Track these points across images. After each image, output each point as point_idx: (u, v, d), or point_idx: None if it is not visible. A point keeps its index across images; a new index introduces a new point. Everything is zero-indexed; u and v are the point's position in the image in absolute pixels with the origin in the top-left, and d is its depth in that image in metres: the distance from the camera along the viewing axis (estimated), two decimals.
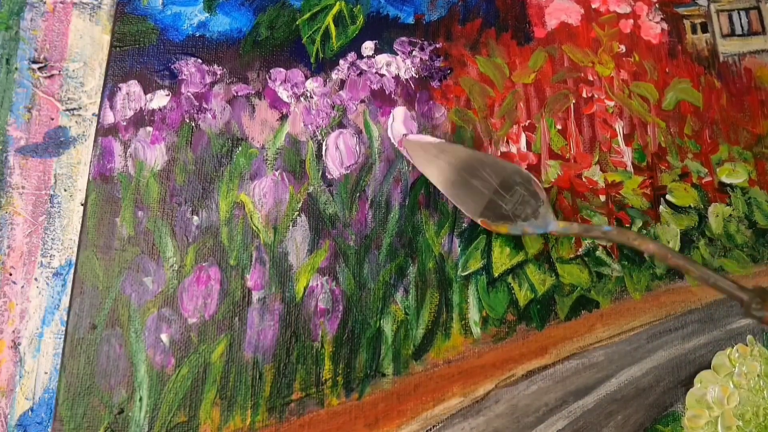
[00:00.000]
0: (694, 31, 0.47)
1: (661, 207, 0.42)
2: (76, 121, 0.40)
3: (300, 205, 0.40)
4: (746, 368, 0.38)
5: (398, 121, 0.41)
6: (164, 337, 0.36)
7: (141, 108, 0.41)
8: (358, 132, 0.42)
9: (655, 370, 0.38)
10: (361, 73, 0.43)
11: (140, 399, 0.35)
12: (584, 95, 0.44)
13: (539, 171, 0.42)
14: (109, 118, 0.41)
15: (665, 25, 0.47)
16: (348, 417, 0.36)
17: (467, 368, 0.37)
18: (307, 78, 0.43)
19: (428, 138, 0.40)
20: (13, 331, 0.36)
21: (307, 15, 0.44)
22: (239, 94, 0.42)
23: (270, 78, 0.42)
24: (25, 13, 0.42)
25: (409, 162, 0.40)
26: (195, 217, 0.38)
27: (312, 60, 0.43)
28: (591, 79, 0.45)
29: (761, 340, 0.39)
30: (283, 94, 0.42)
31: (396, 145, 0.41)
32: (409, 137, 0.41)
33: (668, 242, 0.41)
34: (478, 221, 0.38)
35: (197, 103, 0.41)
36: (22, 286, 0.37)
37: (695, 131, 0.44)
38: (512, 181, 0.38)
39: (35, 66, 0.41)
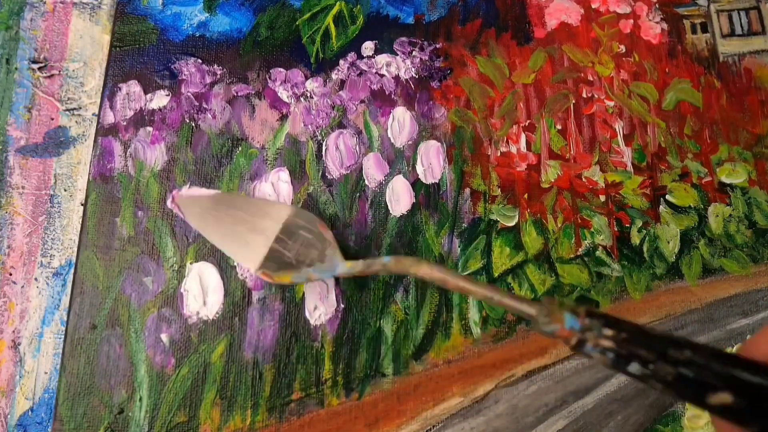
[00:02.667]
0: (694, 31, 0.47)
1: (661, 207, 0.42)
2: (76, 121, 0.40)
3: (300, 205, 0.40)
4: None
5: (185, 191, 0.39)
6: (164, 337, 0.36)
7: (141, 108, 0.41)
8: (358, 132, 0.42)
9: None
10: (361, 73, 0.43)
11: (140, 399, 0.35)
12: (584, 95, 0.44)
13: (539, 171, 0.42)
14: (109, 118, 0.41)
15: (665, 25, 0.47)
16: (348, 417, 0.36)
17: (467, 368, 0.37)
18: (307, 78, 0.43)
19: (202, 191, 0.38)
20: (13, 331, 0.36)
21: (307, 15, 0.44)
22: (239, 94, 0.42)
23: (270, 78, 0.42)
24: (25, 13, 0.42)
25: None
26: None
27: (312, 60, 0.43)
28: (591, 79, 0.45)
29: None
30: (283, 94, 0.42)
31: (169, 205, 0.38)
32: (181, 193, 0.38)
33: (668, 242, 0.41)
34: (259, 274, 0.35)
35: (197, 103, 0.41)
36: (22, 286, 0.37)
37: (695, 131, 0.44)
38: (294, 225, 0.36)
39: (35, 66, 0.41)
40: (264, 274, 0.35)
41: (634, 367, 0.24)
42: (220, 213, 0.36)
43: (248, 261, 0.35)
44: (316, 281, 0.35)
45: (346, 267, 0.34)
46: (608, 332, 0.24)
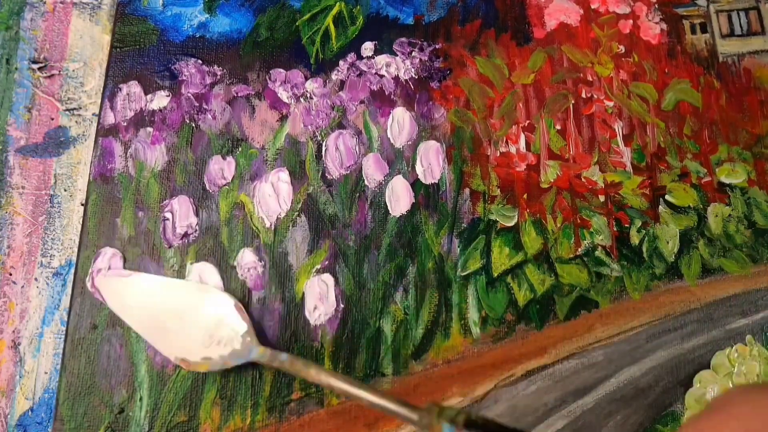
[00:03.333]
0: (693, 32, 0.47)
1: (660, 207, 0.42)
2: (76, 121, 0.40)
3: (300, 205, 0.40)
4: (745, 368, 0.38)
5: (102, 263, 0.37)
6: None
7: (141, 108, 0.41)
8: (357, 133, 0.42)
9: (655, 370, 0.38)
10: (361, 73, 0.43)
11: (141, 399, 0.35)
12: (583, 96, 0.44)
13: (538, 171, 0.42)
14: (110, 118, 0.41)
15: (664, 26, 0.47)
16: (348, 417, 0.36)
17: (467, 368, 0.38)
18: (306, 79, 0.43)
19: (122, 273, 0.37)
20: (13, 331, 0.36)
21: (307, 16, 0.44)
22: (239, 94, 0.42)
23: (270, 79, 0.42)
24: (25, 13, 0.42)
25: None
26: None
27: (312, 61, 0.43)
28: (590, 79, 0.45)
29: (760, 340, 0.39)
30: (283, 94, 0.42)
31: (89, 288, 0.37)
32: (100, 276, 0.37)
33: (667, 242, 0.41)
34: (178, 362, 0.35)
35: (197, 104, 0.41)
36: (22, 286, 0.37)
37: (694, 131, 0.44)
38: (210, 313, 0.35)
39: (35, 66, 0.41)
40: (182, 362, 0.35)
41: None
42: (140, 298, 0.36)
43: (167, 349, 0.35)
44: (232, 366, 0.35)
45: (259, 352, 0.34)
46: None
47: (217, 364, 0.34)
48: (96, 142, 0.40)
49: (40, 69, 0.41)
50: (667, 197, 0.42)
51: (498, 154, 0.42)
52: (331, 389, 0.32)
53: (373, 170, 0.41)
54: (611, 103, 0.44)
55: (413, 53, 0.44)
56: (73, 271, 0.37)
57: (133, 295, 0.36)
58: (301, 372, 0.32)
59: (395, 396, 0.31)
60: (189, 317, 0.35)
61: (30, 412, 0.35)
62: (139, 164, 0.40)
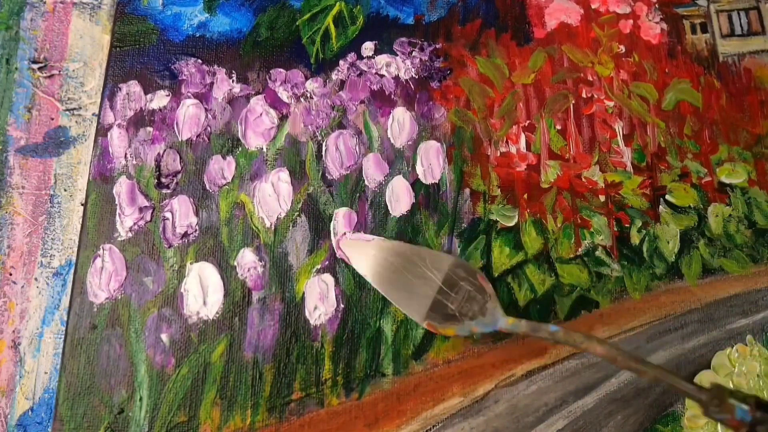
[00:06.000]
0: (693, 32, 0.47)
1: (660, 207, 0.42)
2: (76, 121, 0.40)
3: (300, 205, 0.40)
4: (746, 368, 0.38)
5: (340, 223, 0.39)
6: (164, 336, 0.36)
7: (141, 108, 0.41)
8: (357, 133, 0.42)
9: None
10: (361, 73, 0.43)
11: (140, 399, 0.35)
12: (584, 95, 0.44)
13: (539, 171, 0.42)
14: (109, 118, 0.41)
15: (665, 26, 0.47)
16: (348, 417, 0.36)
17: (467, 368, 0.38)
18: (307, 78, 0.43)
19: (366, 236, 0.38)
20: (13, 331, 0.36)
21: (307, 15, 0.44)
22: (239, 94, 0.42)
23: (270, 78, 0.42)
24: (25, 13, 0.42)
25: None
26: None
27: (312, 60, 0.43)
28: (590, 79, 0.45)
29: (761, 340, 0.39)
30: (283, 94, 0.42)
31: (334, 248, 0.38)
32: (347, 237, 0.38)
33: (668, 242, 0.41)
34: (424, 325, 0.36)
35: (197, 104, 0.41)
36: (22, 286, 0.37)
37: (695, 131, 0.44)
38: (456, 277, 0.35)
39: (35, 66, 0.41)
40: (429, 325, 0.35)
41: None
42: (386, 260, 0.36)
43: (414, 311, 0.36)
44: (478, 335, 0.36)
45: (507, 323, 0.34)
46: None
47: (464, 330, 0.35)
48: (96, 141, 0.40)
49: (40, 69, 0.41)
50: (667, 197, 0.42)
51: (498, 154, 0.42)
52: (614, 363, 0.31)
53: (373, 170, 0.41)
54: (611, 103, 0.44)
55: (413, 53, 0.44)
56: (73, 271, 0.37)
57: (378, 257, 0.36)
58: (582, 345, 0.32)
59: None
60: (436, 282, 0.35)
61: (30, 412, 0.35)
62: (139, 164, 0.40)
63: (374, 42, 0.44)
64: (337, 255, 0.38)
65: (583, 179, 0.42)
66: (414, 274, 0.36)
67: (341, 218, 0.39)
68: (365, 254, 0.37)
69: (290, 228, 0.39)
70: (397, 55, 0.44)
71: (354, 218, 0.39)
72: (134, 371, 0.36)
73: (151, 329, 0.37)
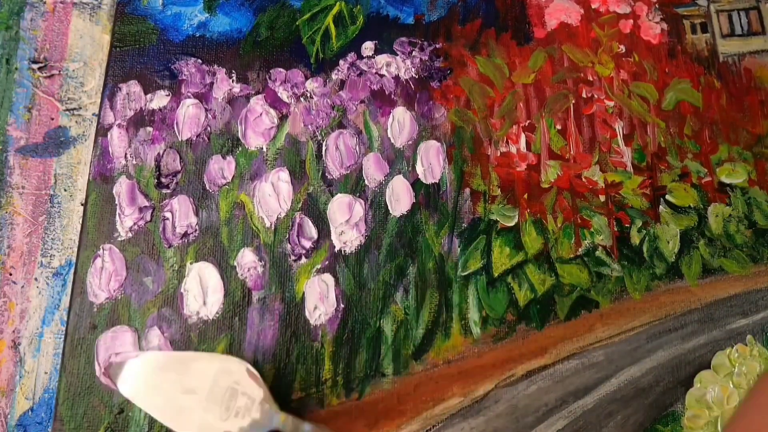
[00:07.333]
0: (693, 32, 0.47)
1: (660, 207, 0.42)
2: (76, 121, 0.40)
3: (300, 205, 0.40)
4: (746, 368, 0.38)
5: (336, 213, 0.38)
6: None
7: (141, 108, 0.41)
8: (358, 132, 0.42)
9: (655, 370, 0.38)
10: (361, 73, 0.43)
11: None
12: (584, 95, 0.44)
13: (539, 171, 0.42)
14: (109, 118, 0.41)
15: (665, 25, 0.47)
16: (348, 417, 0.36)
17: (467, 368, 0.38)
18: (307, 78, 0.43)
19: (129, 355, 0.35)
20: (13, 331, 0.36)
21: (307, 15, 0.44)
22: (239, 94, 0.42)
23: (270, 78, 0.42)
24: (25, 13, 0.42)
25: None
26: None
27: (312, 60, 0.43)
28: (591, 79, 0.45)
29: (761, 340, 0.39)
30: (283, 94, 0.42)
31: (102, 379, 0.35)
32: (111, 361, 0.35)
33: (668, 242, 0.41)
34: None
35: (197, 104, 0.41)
36: (22, 286, 0.37)
37: (695, 131, 0.44)
38: (223, 384, 0.33)
39: (35, 66, 0.41)
40: None
41: None
42: (151, 379, 0.33)
43: (186, 430, 0.33)
44: None
45: (281, 420, 0.33)
46: None
47: None
48: (96, 141, 0.40)
49: (40, 69, 0.41)
50: (667, 197, 0.42)
51: (498, 154, 0.42)
52: None
53: (373, 170, 0.41)
54: (612, 103, 0.44)
55: (413, 53, 0.44)
56: (73, 271, 0.37)
57: (144, 377, 0.33)
58: None
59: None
60: (203, 392, 0.33)
61: (30, 412, 0.35)
62: (139, 164, 0.40)
63: (374, 42, 0.44)
64: (103, 381, 0.35)
65: (584, 179, 0.42)
66: (181, 392, 0.33)
67: (336, 207, 0.39)
68: (130, 377, 0.33)
69: (290, 228, 0.39)
70: (397, 54, 0.44)
71: (353, 205, 0.39)
72: None
73: (151, 329, 0.37)
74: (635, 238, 0.41)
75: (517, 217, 0.41)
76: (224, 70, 0.42)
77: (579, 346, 0.38)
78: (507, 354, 0.38)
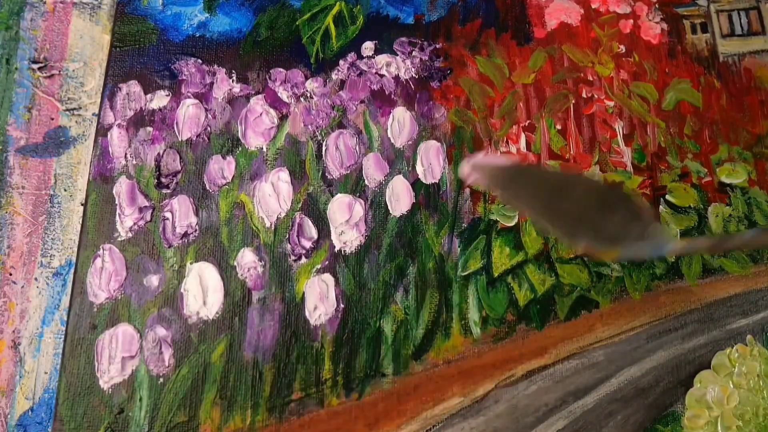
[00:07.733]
0: (693, 32, 0.47)
1: (660, 207, 0.42)
2: (76, 121, 0.40)
3: (300, 205, 0.40)
4: (746, 368, 0.38)
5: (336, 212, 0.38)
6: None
7: (141, 108, 0.41)
8: (358, 132, 0.42)
9: (655, 370, 0.38)
10: (361, 73, 0.43)
11: (140, 399, 0.35)
12: (584, 95, 0.44)
13: None
14: (109, 118, 0.41)
15: (665, 25, 0.47)
16: (348, 417, 0.36)
17: (467, 368, 0.38)
18: (307, 78, 0.43)
19: (499, 159, 0.34)
20: (13, 331, 0.36)
21: (307, 15, 0.44)
22: (239, 94, 0.42)
23: (270, 78, 0.42)
24: (25, 13, 0.42)
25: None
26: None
27: (312, 60, 0.43)
28: (591, 79, 0.45)
29: (761, 340, 0.39)
30: (283, 94, 0.42)
31: (465, 171, 0.31)
32: (479, 158, 0.32)
33: None
34: (581, 248, 0.32)
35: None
36: (22, 286, 0.37)
37: (695, 131, 0.44)
38: (610, 200, 0.31)
39: (35, 66, 0.41)
40: (588, 247, 0.31)
41: None
42: (526, 182, 0.31)
43: (567, 235, 0.31)
44: (636, 258, 0.32)
45: (677, 245, 0.31)
46: None
47: (629, 253, 0.31)
48: (96, 141, 0.40)
49: (40, 69, 0.41)
50: (667, 197, 0.42)
51: (498, 154, 0.42)
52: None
53: (373, 170, 0.41)
54: (612, 103, 0.44)
55: (413, 53, 0.44)
56: (73, 271, 0.37)
57: (517, 179, 0.31)
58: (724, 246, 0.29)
59: None
60: (587, 204, 0.31)
61: (30, 412, 0.35)
62: (139, 164, 0.40)
63: (374, 42, 0.44)
64: (465, 173, 0.31)
65: None
66: (565, 197, 0.31)
67: (336, 207, 0.39)
68: (500, 175, 0.31)
69: (290, 228, 0.39)
70: (397, 54, 0.44)
71: (353, 205, 0.39)
72: (134, 371, 0.36)
73: (151, 329, 0.37)
74: None
75: (516, 217, 0.41)
76: (224, 70, 0.42)
77: (579, 346, 0.38)
78: (507, 354, 0.38)
